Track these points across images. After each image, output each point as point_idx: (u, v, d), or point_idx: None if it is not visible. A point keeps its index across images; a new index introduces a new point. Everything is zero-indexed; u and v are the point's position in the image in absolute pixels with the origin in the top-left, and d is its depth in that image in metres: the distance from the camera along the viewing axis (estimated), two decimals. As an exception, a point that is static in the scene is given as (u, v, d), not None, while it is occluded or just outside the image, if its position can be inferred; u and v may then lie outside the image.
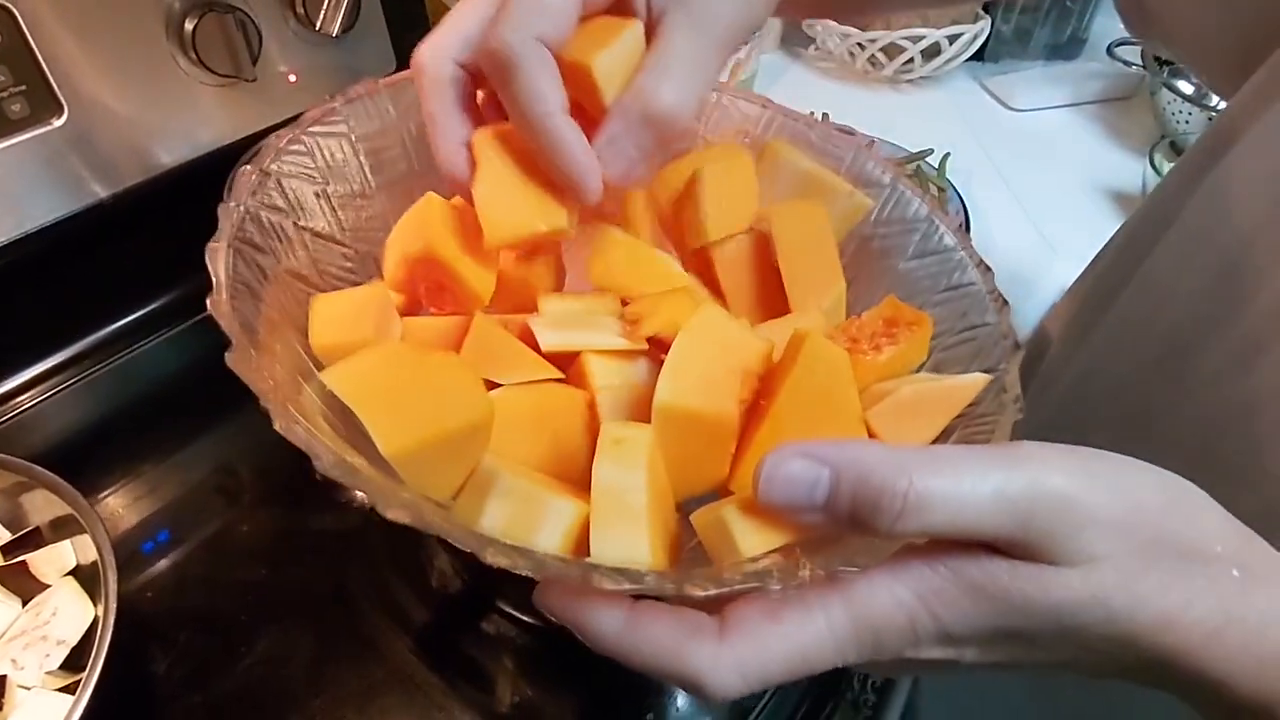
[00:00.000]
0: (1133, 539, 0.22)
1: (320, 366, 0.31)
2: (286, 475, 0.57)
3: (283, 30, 0.60)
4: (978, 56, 1.02)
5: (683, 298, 0.34)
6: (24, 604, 0.43)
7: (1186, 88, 0.86)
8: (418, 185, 0.37)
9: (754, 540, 0.24)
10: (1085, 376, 0.45)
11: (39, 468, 0.45)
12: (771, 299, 0.38)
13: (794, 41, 1.09)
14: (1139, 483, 0.23)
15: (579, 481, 0.29)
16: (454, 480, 0.28)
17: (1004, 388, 0.30)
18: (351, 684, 0.46)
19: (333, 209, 0.37)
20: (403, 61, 0.69)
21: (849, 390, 0.30)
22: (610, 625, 0.23)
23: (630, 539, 0.25)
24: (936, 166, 0.79)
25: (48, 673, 0.40)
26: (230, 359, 0.24)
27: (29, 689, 0.40)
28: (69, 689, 0.40)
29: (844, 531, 0.23)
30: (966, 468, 0.21)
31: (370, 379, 0.27)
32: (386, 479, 0.26)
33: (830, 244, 0.38)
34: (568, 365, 0.32)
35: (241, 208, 0.31)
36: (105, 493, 0.55)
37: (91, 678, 0.37)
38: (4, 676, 0.39)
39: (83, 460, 0.56)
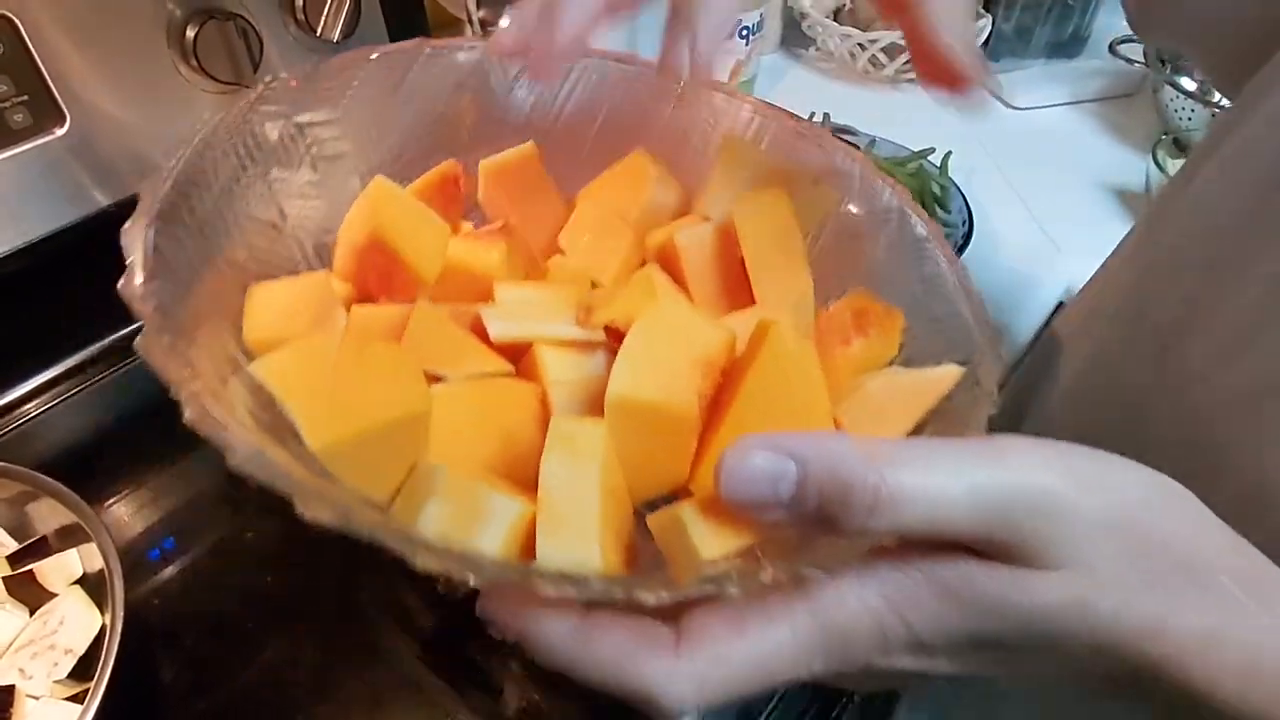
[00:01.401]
0: (1119, 542, 0.20)
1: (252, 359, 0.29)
2: (291, 481, 0.57)
3: (283, 37, 0.60)
4: (979, 55, 1.02)
5: (642, 286, 0.32)
6: (31, 613, 0.43)
7: (1189, 84, 0.86)
8: (369, 178, 0.35)
9: (713, 542, 0.23)
10: (1085, 373, 0.45)
11: (44, 476, 0.45)
12: (737, 293, 0.37)
13: (794, 43, 1.09)
14: (1126, 482, 0.21)
15: (531, 484, 0.27)
16: (390, 479, 0.26)
17: (978, 380, 0.29)
18: (358, 690, 0.45)
19: (274, 197, 0.35)
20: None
21: (816, 384, 0.29)
22: (559, 636, 0.22)
23: (579, 541, 0.24)
24: (938, 165, 0.79)
25: (55, 682, 0.40)
26: (139, 343, 0.22)
27: (37, 698, 0.40)
28: (77, 698, 0.40)
29: (811, 531, 0.22)
30: (943, 462, 0.20)
31: (302, 371, 0.25)
32: (315, 477, 0.24)
33: (796, 237, 0.37)
34: (519, 358, 0.31)
35: (169, 182, 0.28)
36: (110, 501, 0.55)
37: (99, 686, 0.37)
38: (12, 686, 0.39)
39: (87, 469, 0.56)
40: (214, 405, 0.22)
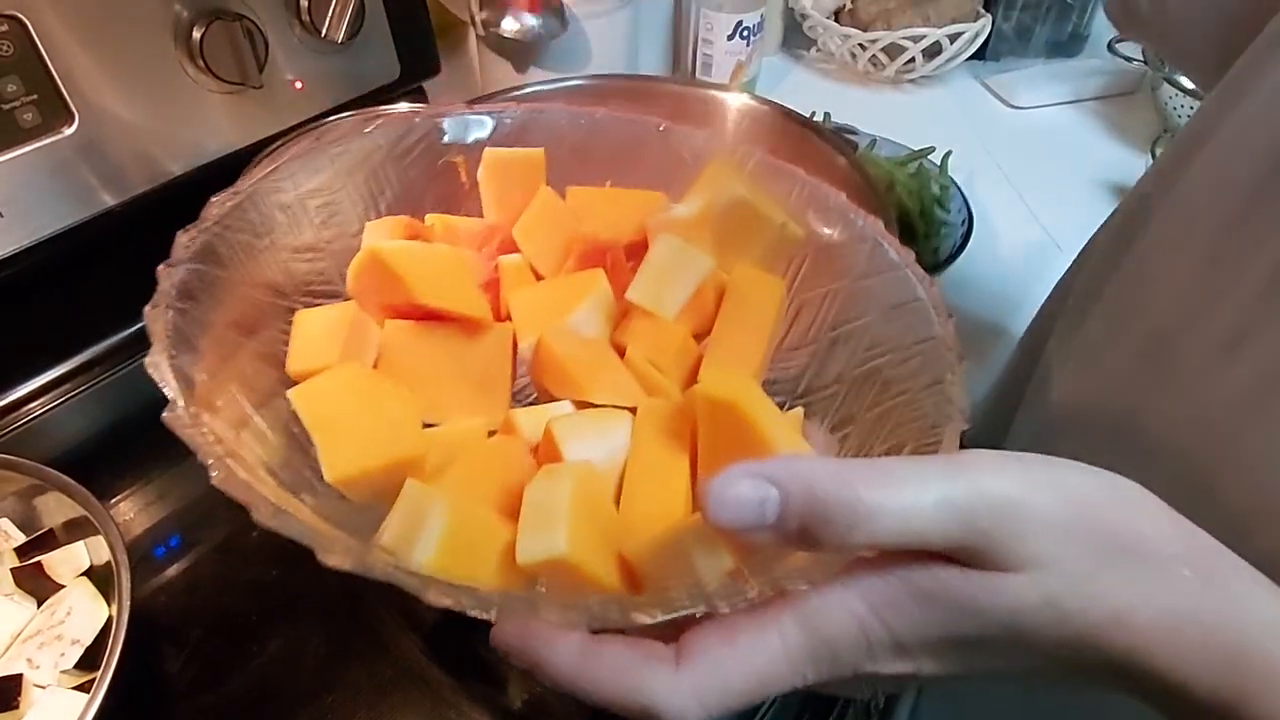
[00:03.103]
0: (1080, 540, 0.22)
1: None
2: (296, 478, 0.57)
3: (288, 38, 0.61)
4: (979, 55, 1.03)
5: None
6: (39, 604, 0.44)
7: (1188, 82, 0.86)
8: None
9: (712, 563, 0.24)
10: (1077, 375, 0.44)
11: (52, 470, 0.45)
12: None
13: (795, 44, 1.10)
14: (1082, 483, 0.23)
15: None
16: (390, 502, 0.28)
17: (949, 399, 0.30)
18: (363, 682, 0.46)
19: (281, 264, 0.37)
20: (406, 68, 0.70)
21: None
22: (566, 658, 0.23)
23: (548, 535, 0.25)
24: (939, 164, 0.79)
25: (63, 672, 0.41)
26: (167, 418, 0.25)
27: (44, 688, 0.40)
28: (83, 688, 0.41)
29: (795, 548, 0.23)
30: (911, 478, 0.21)
31: (326, 401, 0.29)
32: (327, 526, 0.25)
33: (769, 328, 0.37)
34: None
35: (180, 269, 0.31)
36: (117, 498, 0.56)
37: (106, 676, 0.37)
38: (20, 676, 0.40)
39: (93, 466, 0.57)
40: (238, 467, 0.24)
